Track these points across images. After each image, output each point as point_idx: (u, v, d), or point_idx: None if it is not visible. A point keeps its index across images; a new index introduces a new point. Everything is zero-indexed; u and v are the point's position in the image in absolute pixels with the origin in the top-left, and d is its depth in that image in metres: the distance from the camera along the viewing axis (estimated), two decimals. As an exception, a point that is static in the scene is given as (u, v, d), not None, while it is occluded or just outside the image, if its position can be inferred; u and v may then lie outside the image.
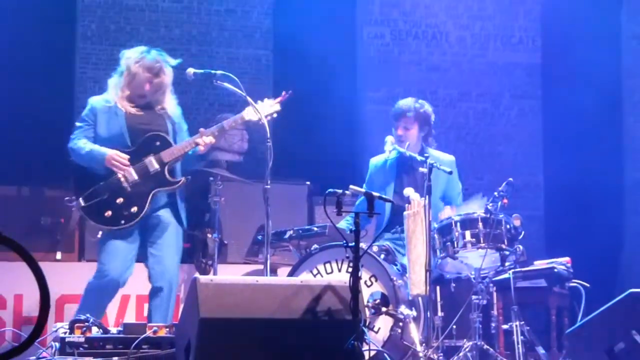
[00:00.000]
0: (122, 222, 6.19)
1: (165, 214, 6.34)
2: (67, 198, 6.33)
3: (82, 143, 6.28)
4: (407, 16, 10.20)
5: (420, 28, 10.22)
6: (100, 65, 9.42)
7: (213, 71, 6.36)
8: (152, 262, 6.31)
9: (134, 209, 6.19)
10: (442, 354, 6.13)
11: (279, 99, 6.36)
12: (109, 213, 6.18)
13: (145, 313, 6.81)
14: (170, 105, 6.48)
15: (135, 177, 6.20)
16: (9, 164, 8.54)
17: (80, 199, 6.21)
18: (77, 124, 6.42)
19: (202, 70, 6.38)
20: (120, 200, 6.19)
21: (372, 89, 10.05)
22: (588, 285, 6.72)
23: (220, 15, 9.81)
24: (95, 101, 6.44)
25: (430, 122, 7.09)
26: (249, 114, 6.30)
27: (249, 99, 6.13)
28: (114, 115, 6.32)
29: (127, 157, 6.21)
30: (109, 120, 6.32)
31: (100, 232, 6.21)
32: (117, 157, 6.19)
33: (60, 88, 9.34)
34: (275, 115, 6.34)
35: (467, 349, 6.13)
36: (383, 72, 10.10)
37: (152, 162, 6.24)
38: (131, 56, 6.38)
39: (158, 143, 6.30)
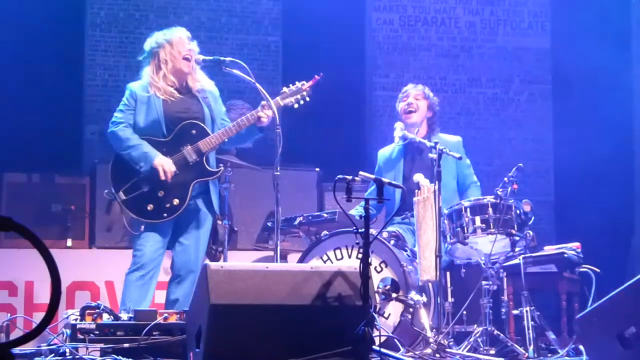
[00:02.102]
0: (165, 215, 6.11)
1: (199, 203, 6.28)
2: (106, 191, 6.20)
3: (129, 133, 6.16)
4: (416, 2, 10.20)
5: (430, 14, 10.21)
6: (109, 53, 9.44)
7: (222, 58, 6.34)
8: (179, 250, 6.27)
9: (176, 202, 6.12)
10: (452, 340, 6.13)
11: (309, 83, 6.34)
12: (150, 206, 6.09)
13: (159, 300, 6.81)
14: (206, 82, 6.43)
15: (175, 169, 6.14)
16: (20, 151, 8.57)
17: (121, 192, 6.10)
18: (119, 108, 6.27)
19: (211, 57, 6.36)
20: (161, 193, 6.10)
21: (381, 75, 10.05)
22: (598, 270, 6.70)
23: (229, 1, 9.81)
24: (135, 87, 6.30)
25: (435, 109, 7.12)
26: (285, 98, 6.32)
27: (258, 85, 6.11)
28: (152, 104, 6.22)
29: (174, 169, 6.12)
30: (147, 109, 6.22)
31: (143, 226, 6.12)
32: (167, 167, 6.09)
33: (70, 75, 9.36)
34: (304, 101, 6.33)
35: (477, 335, 6.13)
36: (392, 58, 10.10)
37: (190, 153, 6.18)
38: (161, 35, 6.33)
39: (194, 132, 6.22)
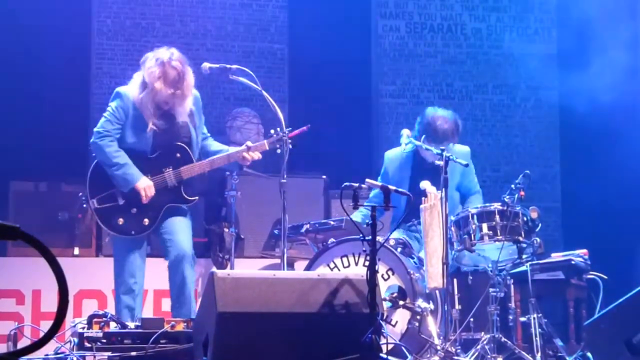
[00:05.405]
0: (132, 232, 6.16)
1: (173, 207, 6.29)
2: (80, 194, 6.25)
3: (114, 149, 6.10)
4: (422, 9, 10.20)
5: (436, 20, 10.21)
6: (116, 61, 9.45)
7: (228, 65, 6.35)
8: (167, 241, 6.20)
9: (146, 221, 6.15)
10: (459, 347, 6.12)
11: (295, 132, 6.30)
12: (120, 221, 6.13)
13: (164, 308, 6.82)
14: (190, 103, 6.34)
15: (154, 192, 6.15)
16: (27, 160, 8.57)
17: (95, 200, 6.15)
18: (106, 117, 6.18)
19: (217, 65, 6.37)
20: (134, 210, 6.14)
21: (388, 82, 10.05)
22: (605, 277, 6.69)
23: (236, 9, 9.82)
24: (127, 98, 6.19)
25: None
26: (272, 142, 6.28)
27: (264, 93, 6.12)
28: (143, 126, 6.17)
29: (154, 192, 6.12)
30: (137, 127, 6.17)
31: (108, 237, 6.13)
32: (147, 191, 6.10)
33: (77, 83, 9.36)
34: (287, 148, 6.18)
35: (484, 342, 6.11)
36: (398, 65, 10.10)
37: (171, 177, 6.19)
38: (152, 70, 6.16)
39: (179, 155, 6.22)
